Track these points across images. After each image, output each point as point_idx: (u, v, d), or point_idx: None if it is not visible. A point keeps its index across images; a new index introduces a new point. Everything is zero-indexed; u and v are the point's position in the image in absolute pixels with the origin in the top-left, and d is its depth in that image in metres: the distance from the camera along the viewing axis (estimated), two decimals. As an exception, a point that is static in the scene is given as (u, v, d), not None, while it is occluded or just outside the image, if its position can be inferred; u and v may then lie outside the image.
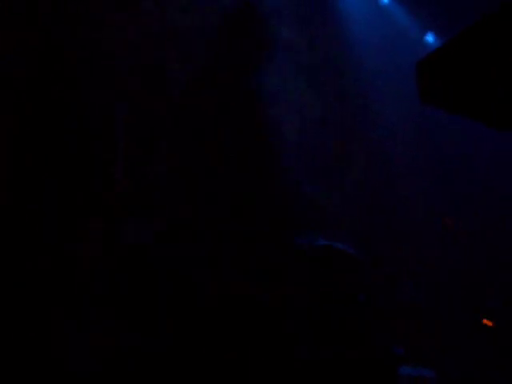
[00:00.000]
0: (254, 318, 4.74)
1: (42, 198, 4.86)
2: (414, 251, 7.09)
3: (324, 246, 4.92)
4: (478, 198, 7.77)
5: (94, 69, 5.44)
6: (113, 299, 4.77)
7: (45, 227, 4.74)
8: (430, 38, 8.23)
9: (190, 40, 6.24)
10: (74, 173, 5.07)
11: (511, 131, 3.09)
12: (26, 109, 4.97)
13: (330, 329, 4.76)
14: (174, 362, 4.50)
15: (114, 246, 5.06)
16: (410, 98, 8.24)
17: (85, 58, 5.41)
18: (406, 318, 5.79)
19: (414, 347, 5.50)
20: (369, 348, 5.15)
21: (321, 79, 7.57)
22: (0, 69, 4.82)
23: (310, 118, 7.16)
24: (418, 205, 7.70)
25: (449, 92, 2.58)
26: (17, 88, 4.91)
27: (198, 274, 5.14)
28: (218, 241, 5.58)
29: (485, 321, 6.55)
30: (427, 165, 8.34)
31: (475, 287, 6.97)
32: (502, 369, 5.90)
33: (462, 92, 2.57)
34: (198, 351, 4.57)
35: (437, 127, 8.36)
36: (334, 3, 7.90)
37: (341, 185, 7.15)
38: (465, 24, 2.60)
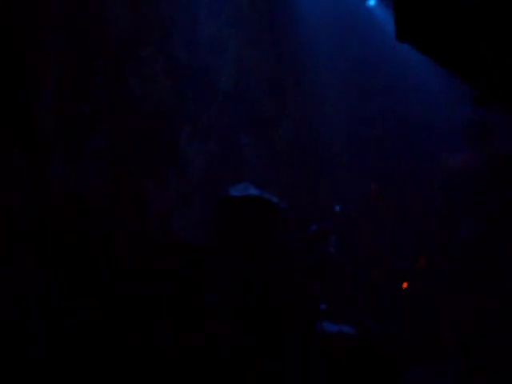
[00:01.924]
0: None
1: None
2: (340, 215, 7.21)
3: (255, 196, 4.93)
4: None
5: None
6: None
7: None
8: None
9: None
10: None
11: (487, 90, 2.75)
12: None
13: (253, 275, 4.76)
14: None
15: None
16: (348, 59, 8.39)
17: None
18: (326, 273, 5.90)
19: (335, 304, 5.63)
20: (287, 300, 5.21)
21: (258, 33, 7.49)
22: None
23: (245, 70, 7.08)
24: (346, 168, 7.87)
25: (431, 31, 2.28)
26: None
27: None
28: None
29: (402, 284, 6.80)
30: (358, 129, 8.50)
31: (389, 247, 7.22)
32: (415, 326, 6.19)
33: (447, 35, 2.29)
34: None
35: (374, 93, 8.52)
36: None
37: (271, 141, 7.16)
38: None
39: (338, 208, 6.84)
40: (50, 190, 4.77)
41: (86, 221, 5.03)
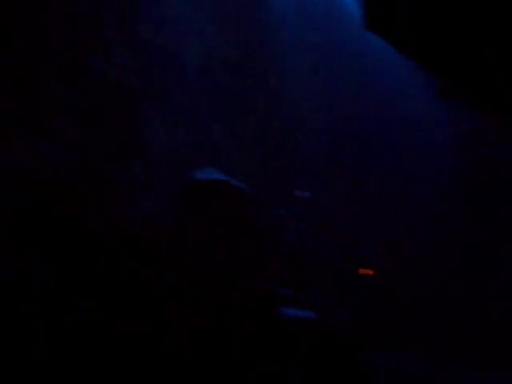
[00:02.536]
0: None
1: None
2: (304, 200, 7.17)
3: (219, 179, 4.86)
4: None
5: None
6: None
7: None
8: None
9: None
10: None
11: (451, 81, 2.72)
12: None
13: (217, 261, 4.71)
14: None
15: None
16: (320, 52, 8.31)
17: None
18: (290, 261, 5.87)
19: (299, 290, 5.60)
20: (250, 288, 5.16)
21: (224, 20, 7.38)
22: None
23: (212, 55, 6.98)
24: (316, 155, 7.80)
25: (397, 20, 2.29)
26: None
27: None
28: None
29: (362, 270, 6.79)
30: (328, 115, 8.44)
31: (353, 237, 7.21)
32: (383, 313, 6.18)
33: (415, 28, 2.29)
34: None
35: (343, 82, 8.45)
36: None
37: (243, 129, 7.07)
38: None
39: (307, 194, 6.80)
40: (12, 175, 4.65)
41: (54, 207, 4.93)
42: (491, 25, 2.25)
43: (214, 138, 6.76)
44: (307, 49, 8.07)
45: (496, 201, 6.51)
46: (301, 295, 5.66)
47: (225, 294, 4.61)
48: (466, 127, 7.06)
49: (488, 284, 6.12)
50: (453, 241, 6.38)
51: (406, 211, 7.43)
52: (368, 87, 8.43)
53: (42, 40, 5.49)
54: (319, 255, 6.54)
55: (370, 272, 6.71)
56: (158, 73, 6.31)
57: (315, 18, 8.25)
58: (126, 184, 5.94)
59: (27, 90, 5.36)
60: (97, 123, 5.82)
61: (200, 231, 4.93)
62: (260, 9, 7.78)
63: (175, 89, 6.58)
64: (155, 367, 3.89)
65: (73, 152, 5.57)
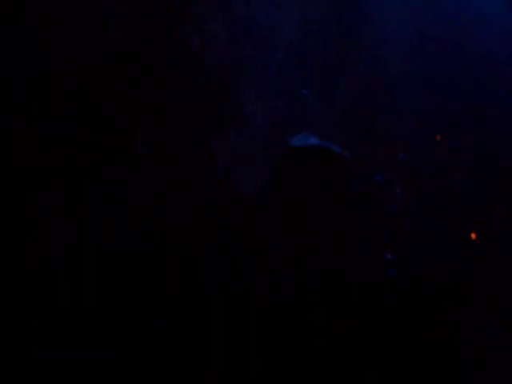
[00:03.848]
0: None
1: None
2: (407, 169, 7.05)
3: (315, 144, 4.89)
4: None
5: None
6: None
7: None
8: None
9: None
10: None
11: None
12: None
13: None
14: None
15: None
16: (414, 16, 8.07)
17: None
18: (393, 225, 5.82)
19: (404, 253, 5.56)
20: (357, 254, 5.18)
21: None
22: None
23: (306, 23, 6.95)
24: (411, 118, 7.63)
25: None
26: None
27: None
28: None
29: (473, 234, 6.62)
30: (425, 79, 8.21)
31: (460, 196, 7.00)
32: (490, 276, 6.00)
33: None
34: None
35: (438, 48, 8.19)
36: None
37: (334, 92, 7.04)
38: None
39: (402, 156, 6.69)
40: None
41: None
42: None
43: (308, 104, 6.77)
44: (408, 21, 7.85)
45: None
46: (406, 258, 5.62)
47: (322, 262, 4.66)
48: None
49: None
50: None
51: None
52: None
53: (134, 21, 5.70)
54: (422, 219, 6.43)
55: (474, 235, 6.52)
56: (252, 47, 6.39)
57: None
58: (226, 157, 6.10)
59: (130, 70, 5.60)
60: (199, 99, 5.99)
61: (302, 200, 4.98)
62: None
63: (270, 62, 6.63)
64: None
65: (175, 128, 5.77)
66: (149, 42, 5.62)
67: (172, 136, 5.68)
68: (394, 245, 5.50)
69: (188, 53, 5.96)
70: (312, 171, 4.79)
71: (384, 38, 7.69)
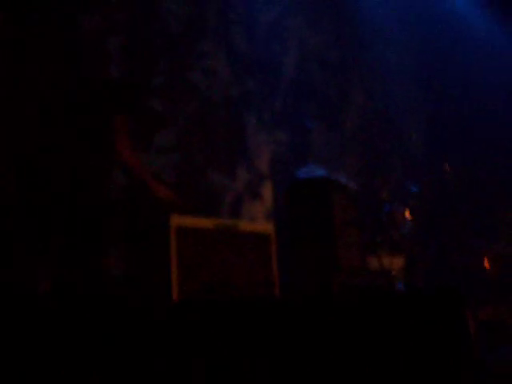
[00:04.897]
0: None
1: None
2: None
3: (322, 176, 4.86)
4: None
5: None
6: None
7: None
8: None
9: None
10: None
11: None
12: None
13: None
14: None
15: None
16: (412, 43, 8.12)
17: None
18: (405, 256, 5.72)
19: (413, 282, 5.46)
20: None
21: (318, 16, 7.37)
22: None
23: (307, 55, 6.99)
24: (417, 147, 7.61)
25: None
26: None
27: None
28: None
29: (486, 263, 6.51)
30: (429, 112, 8.21)
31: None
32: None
33: None
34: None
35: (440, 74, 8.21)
36: None
37: (338, 124, 7.03)
38: None
39: (413, 189, 6.62)
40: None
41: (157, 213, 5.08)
42: None
43: (312, 135, 6.76)
44: (407, 35, 7.88)
45: None
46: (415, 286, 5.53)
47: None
48: None
49: None
50: None
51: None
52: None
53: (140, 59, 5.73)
54: (434, 249, 6.34)
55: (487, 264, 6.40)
56: (255, 81, 6.41)
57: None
58: (231, 190, 6.06)
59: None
60: (201, 135, 5.98)
61: (309, 230, 4.91)
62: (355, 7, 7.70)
63: (273, 95, 6.65)
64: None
65: (179, 165, 5.75)
66: (149, 76, 5.64)
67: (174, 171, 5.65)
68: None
69: (190, 89, 5.98)
70: (318, 203, 4.73)
71: (387, 68, 7.72)
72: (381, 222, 5.83)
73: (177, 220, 4.59)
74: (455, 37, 7.99)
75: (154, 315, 2.64)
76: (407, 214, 6.00)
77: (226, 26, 6.33)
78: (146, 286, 4.85)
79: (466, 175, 7.43)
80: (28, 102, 4.24)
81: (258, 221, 5.75)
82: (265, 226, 5.02)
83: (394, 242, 5.67)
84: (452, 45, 7.92)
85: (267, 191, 6.16)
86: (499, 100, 7.96)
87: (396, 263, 5.64)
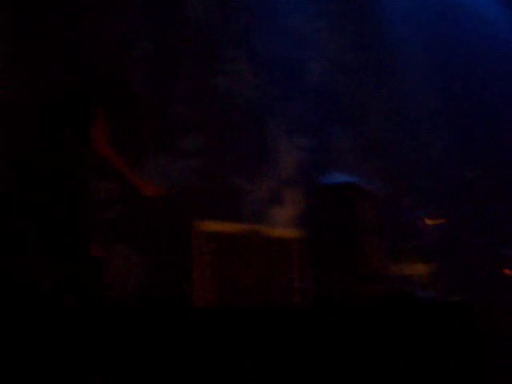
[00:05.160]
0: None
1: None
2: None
3: (345, 182, 4.82)
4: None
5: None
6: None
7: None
8: None
9: None
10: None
11: None
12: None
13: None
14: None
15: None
16: (437, 50, 8.05)
17: None
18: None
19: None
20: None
21: (341, 23, 7.35)
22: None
23: (330, 62, 6.97)
24: (438, 158, 7.54)
25: None
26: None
27: None
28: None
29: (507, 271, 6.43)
30: (450, 117, 8.13)
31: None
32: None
33: None
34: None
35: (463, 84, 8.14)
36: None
37: (361, 130, 7.00)
38: None
39: (438, 195, 6.57)
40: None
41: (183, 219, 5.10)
42: None
43: (337, 142, 6.73)
44: (428, 42, 7.81)
45: None
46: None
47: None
48: None
49: None
50: None
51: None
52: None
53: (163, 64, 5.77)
54: (460, 256, 6.28)
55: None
56: (279, 86, 6.41)
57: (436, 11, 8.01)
58: (254, 196, 6.06)
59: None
60: (224, 139, 5.99)
61: (333, 236, 4.89)
62: (375, 6, 7.66)
63: (295, 101, 6.64)
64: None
65: (202, 168, 5.76)
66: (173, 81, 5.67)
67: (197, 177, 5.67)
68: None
69: (215, 94, 6.01)
70: (343, 209, 4.71)
71: (409, 73, 7.67)
72: (404, 228, 5.78)
73: (200, 225, 4.62)
74: (478, 39, 7.91)
75: (171, 319, 2.64)
76: (431, 221, 5.96)
77: (249, 32, 6.34)
78: (166, 289, 4.87)
79: (492, 180, 7.34)
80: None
81: (281, 227, 5.73)
82: (288, 232, 5.04)
83: (417, 249, 5.62)
84: (474, 47, 7.84)
85: (291, 197, 6.15)
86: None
87: (419, 270, 5.60)
